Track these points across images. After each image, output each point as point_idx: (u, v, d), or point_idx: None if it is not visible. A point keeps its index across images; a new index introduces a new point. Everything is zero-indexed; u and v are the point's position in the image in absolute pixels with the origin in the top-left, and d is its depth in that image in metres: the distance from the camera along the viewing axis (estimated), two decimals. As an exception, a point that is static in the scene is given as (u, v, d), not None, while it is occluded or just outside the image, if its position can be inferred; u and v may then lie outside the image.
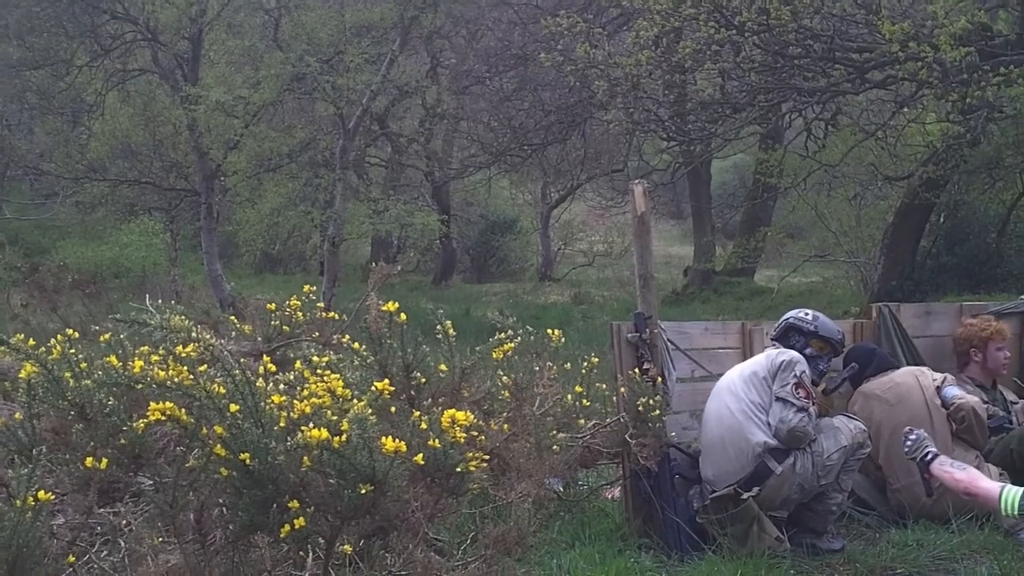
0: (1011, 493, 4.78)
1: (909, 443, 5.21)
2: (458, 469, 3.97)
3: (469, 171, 26.35)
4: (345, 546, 4.07)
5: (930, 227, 22.77)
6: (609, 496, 6.77)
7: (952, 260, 22.74)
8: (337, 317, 5.88)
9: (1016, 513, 4.77)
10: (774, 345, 6.50)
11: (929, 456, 5.07)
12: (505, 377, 5.25)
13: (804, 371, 6.14)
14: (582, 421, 5.72)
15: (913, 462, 5.13)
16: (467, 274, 33.17)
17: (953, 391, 6.78)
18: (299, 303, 5.68)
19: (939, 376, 6.88)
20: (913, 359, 7.33)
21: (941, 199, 21.46)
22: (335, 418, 3.84)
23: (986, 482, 4.75)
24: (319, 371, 4.30)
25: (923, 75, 14.18)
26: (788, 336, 6.50)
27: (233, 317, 6.14)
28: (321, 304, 6.04)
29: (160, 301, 5.46)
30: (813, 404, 6.16)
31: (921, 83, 14.85)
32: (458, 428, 3.96)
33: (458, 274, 32.28)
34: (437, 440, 3.91)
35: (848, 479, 6.28)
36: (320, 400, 3.93)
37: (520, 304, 24.67)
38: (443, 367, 4.94)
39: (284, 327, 5.69)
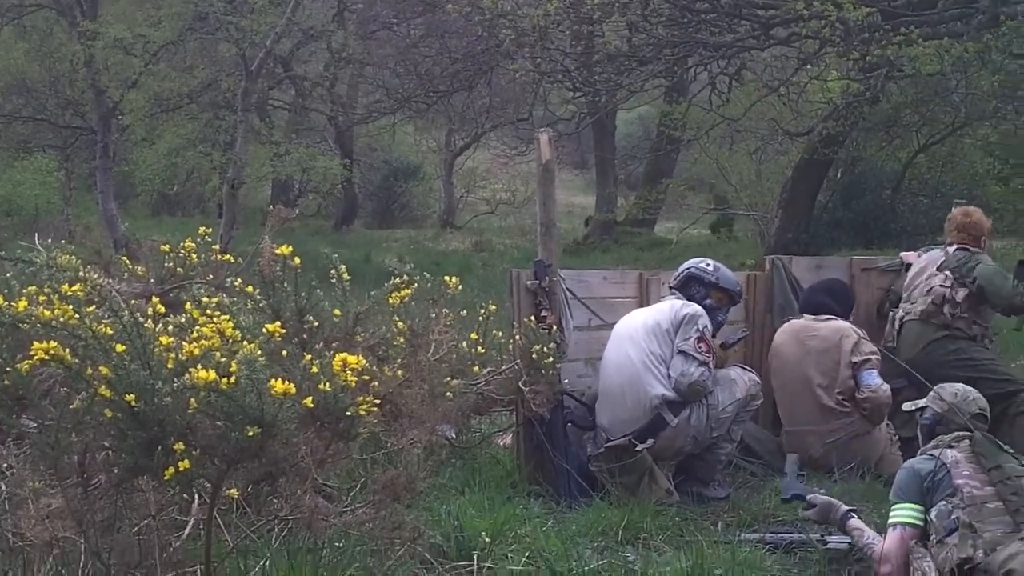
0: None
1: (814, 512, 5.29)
2: (348, 413, 3.94)
3: (373, 116, 26.11)
4: (231, 490, 4.03)
5: (827, 182, 23.13)
6: (502, 443, 6.79)
7: (848, 215, 23.15)
8: (233, 260, 5.79)
9: None
10: (673, 294, 6.55)
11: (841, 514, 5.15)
12: (400, 323, 5.23)
13: (706, 325, 6.21)
14: (477, 368, 5.72)
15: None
16: (369, 220, 32.91)
17: (871, 378, 6.89)
18: (194, 245, 5.57)
19: (866, 351, 6.97)
20: None
21: (839, 155, 21.80)
22: (224, 360, 3.78)
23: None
24: (209, 313, 4.23)
25: (826, 33, 14.36)
26: (689, 286, 6.56)
27: (125, 258, 6.01)
28: (216, 247, 5.94)
29: (51, 240, 5.35)
30: (713, 358, 6.24)
31: (824, 41, 15.03)
32: (349, 372, 3.92)
33: (359, 220, 32.02)
34: (328, 384, 3.88)
35: (738, 429, 6.41)
36: (210, 342, 3.87)
37: (421, 251, 24.58)
38: (337, 312, 4.90)
39: (178, 269, 5.58)
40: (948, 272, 7.10)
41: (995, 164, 23.64)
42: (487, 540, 4.83)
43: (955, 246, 7.29)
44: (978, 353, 7.03)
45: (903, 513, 4.72)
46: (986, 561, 4.35)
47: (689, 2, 16.28)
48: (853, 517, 5.10)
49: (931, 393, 5.25)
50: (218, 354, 3.80)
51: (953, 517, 4.51)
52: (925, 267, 7.30)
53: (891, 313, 7.48)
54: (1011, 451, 4.79)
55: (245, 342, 3.84)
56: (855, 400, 6.88)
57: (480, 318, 6.17)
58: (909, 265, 7.81)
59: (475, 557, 4.74)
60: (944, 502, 4.59)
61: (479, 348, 5.78)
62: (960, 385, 5.31)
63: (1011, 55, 16.49)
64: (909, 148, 23.60)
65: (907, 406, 5.41)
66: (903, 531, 4.69)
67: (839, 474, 6.51)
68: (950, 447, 4.80)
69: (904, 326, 7.15)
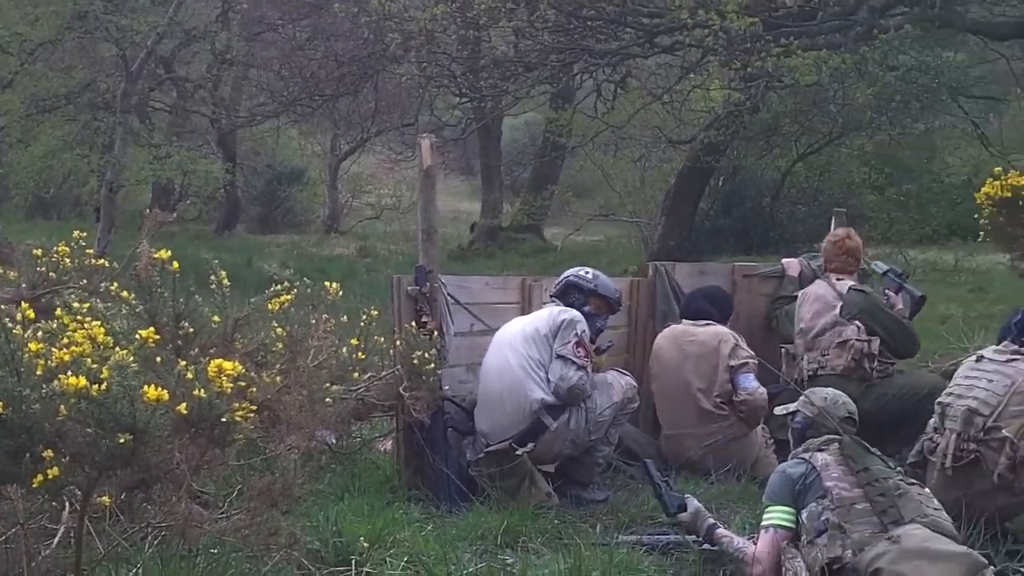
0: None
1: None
2: (223, 420, 3.90)
3: (257, 120, 25.80)
4: (103, 498, 3.96)
5: (709, 190, 23.50)
6: (382, 448, 6.78)
7: (728, 222, 23.53)
8: (108, 264, 5.69)
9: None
10: (554, 302, 6.60)
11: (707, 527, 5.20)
12: (280, 329, 5.19)
13: (584, 330, 6.26)
14: (357, 374, 5.69)
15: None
16: (251, 224, 32.50)
17: (748, 382, 7.02)
18: (68, 249, 5.46)
19: (743, 356, 7.10)
20: None
21: (721, 163, 22.17)
22: (96, 366, 3.71)
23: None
24: (80, 318, 4.16)
25: (709, 42, 14.60)
26: (568, 293, 6.61)
27: (-4, 262, 5.87)
28: (92, 251, 5.83)
29: (-83, 243, 5.20)
30: (591, 362, 6.31)
31: (707, 50, 15.29)
32: (225, 378, 3.88)
33: (242, 224, 31.60)
34: (202, 390, 3.83)
35: (616, 432, 6.48)
36: (80, 348, 3.80)
37: (305, 256, 24.37)
38: (216, 318, 4.85)
39: (51, 274, 5.47)
40: (858, 324, 7.23)
41: (870, 173, 24.33)
42: (365, 545, 4.81)
43: (844, 281, 7.43)
44: (896, 386, 7.21)
45: (775, 515, 4.81)
46: (854, 561, 4.43)
47: (575, 9, 16.40)
48: (719, 528, 5.18)
49: (801, 398, 5.34)
50: (89, 360, 3.73)
51: (823, 518, 4.59)
52: (821, 310, 7.34)
53: (783, 350, 7.60)
54: (878, 453, 4.89)
55: (117, 348, 3.78)
56: (732, 403, 7.01)
57: (362, 324, 6.15)
58: (799, 275, 7.99)
59: (353, 562, 4.72)
60: (815, 504, 4.66)
61: (359, 354, 5.76)
62: (829, 389, 5.41)
63: (886, 67, 16.96)
64: (788, 157, 24.09)
65: (779, 411, 5.51)
66: (775, 533, 4.77)
67: (716, 476, 6.62)
68: (820, 450, 4.89)
69: (818, 378, 7.09)
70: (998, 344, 5.81)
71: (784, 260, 8.38)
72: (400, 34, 16.78)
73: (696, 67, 17.02)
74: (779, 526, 4.78)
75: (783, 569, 4.69)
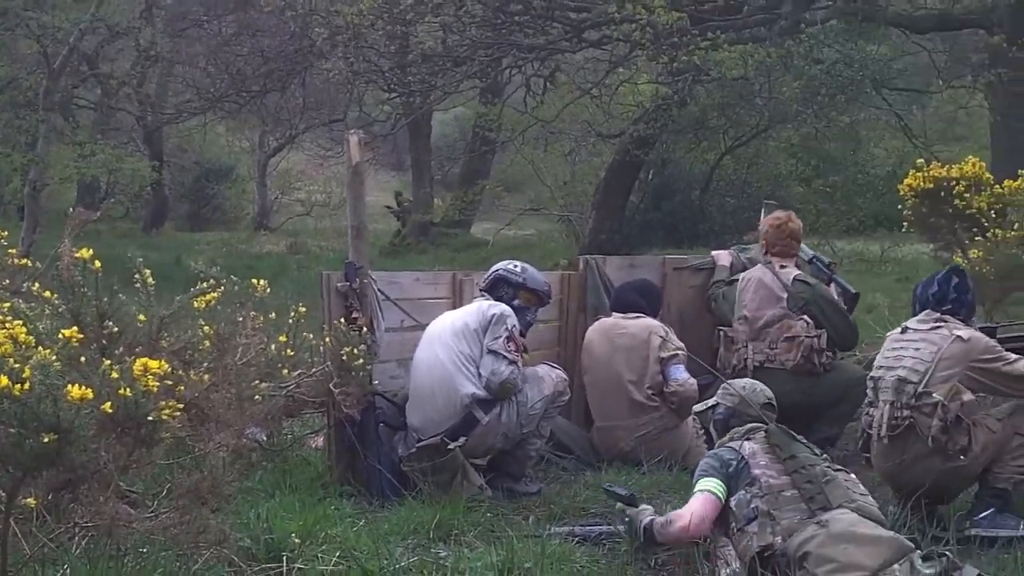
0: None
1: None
2: (150, 419, 3.87)
3: (184, 116, 25.47)
4: (29, 499, 3.91)
5: (639, 184, 23.58)
6: (314, 445, 6.75)
7: (659, 216, 23.66)
8: (33, 264, 5.62)
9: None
10: (483, 296, 6.61)
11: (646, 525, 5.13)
12: (207, 327, 5.15)
13: (515, 325, 6.28)
14: (286, 371, 5.66)
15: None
16: (180, 222, 32.16)
17: (678, 373, 7.08)
18: (-11, 249, 5.38)
19: (673, 347, 7.16)
20: None
21: (650, 157, 22.26)
22: (18, 366, 3.67)
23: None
24: (2, 318, 4.10)
25: (636, 36, 14.68)
26: (497, 288, 6.62)
27: (-84, 263, 5.76)
28: (13, 250, 5.75)
29: None
30: (521, 356, 6.33)
31: (634, 44, 15.36)
32: (151, 377, 3.85)
33: (170, 222, 31.25)
34: (128, 389, 3.80)
35: (548, 425, 6.51)
36: (2, 348, 3.75)
37: (234, 254, 24.15)
38: (142, 316, 4.80)
39: (-29, 274, 5.39)
40: (806, 319, 7.31)
41: (797, 165, 24.59)
42: (297, 541, 4.79)
43: (787, 268, 7.53)
44: (843, 373, 7.35)
45: (706, 484, 4.83)
46: (783, 546, 4.49)
47: (502, 4, 16.42)
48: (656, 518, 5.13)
49: (720, 390, 5.41)
50: (11, 360, 3.69)
51: (752, 506, 4.64)
52: (767, 299, 7.45)
53: (720, 332, 7.68)
54: (804, 441, 4.96)
55: (40, 348, 3.74)
56: (663, 395, 7.07)
57: (291, 321, 6.12)
58: (730, 266, 8.06)
59: (285, 559, 4.70)
60: (743, 492, 4.71)
61: (289, 351, 5.73)
62: (747, 379, 5.57)
63: (812, 61, 17.15)
64: (716, 150, 24.25)
65: (698, 408, 5.60)
66: (706, 496, 4.80)
67: (648, 467, 6.67)
68: (747, 439, 4.95)
69: (765, 371, 7.20)
70: (916, 315, 5.96)
71: (714, 252, 8.46)
72: (327, 29, 16.70)
73: (624, 61, 17.10)
74: (711, 491, 4.80)
75: (713, 556, 4.73)
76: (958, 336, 5.68)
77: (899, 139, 22.46)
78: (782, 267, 7.55)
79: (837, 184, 22.92)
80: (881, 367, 5.81)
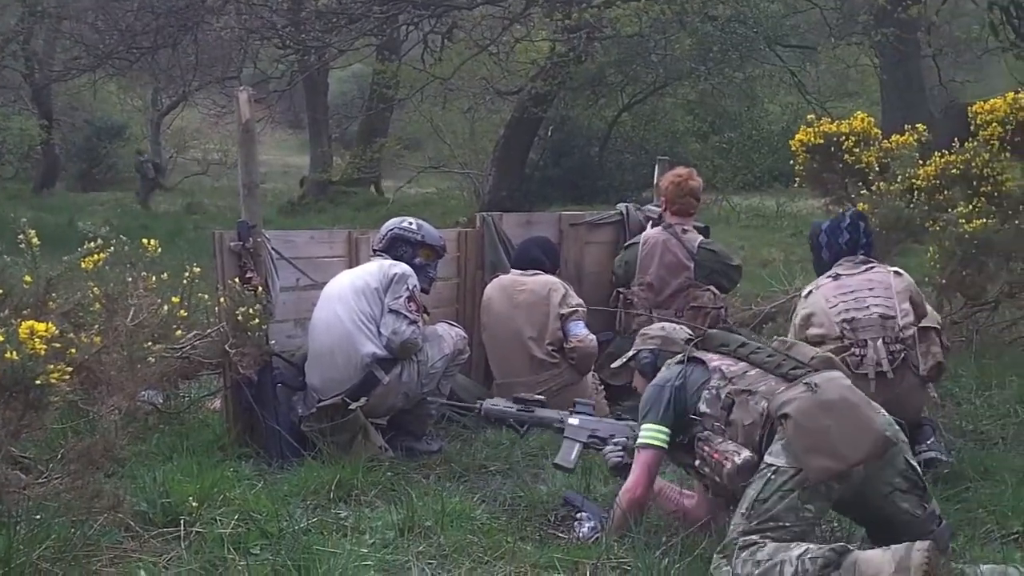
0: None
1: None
2: (38, 382, 3.79)
3: (72, 74, 24.88)
4: (-87, 468, 3.82)
5: (539, 140, 23.66)
6: (211, 407, 6.67)
7: (558, 172, 23.79)
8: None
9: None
10: (381, 256, 6.56)
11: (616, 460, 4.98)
12: (96, 288, 5.04)
13: (416, 284, 6.25)
14: (180, 332, 5.57)
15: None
16: (72, 182, 31.54)
17: (578, 329, 7.08)
18: None
19: (573, 304, 7.15)
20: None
21: (549, 114, 22.31)
22: (-102, 331, 3.57)
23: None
24: None
25: (531, -7, 14.65)
26: (395, 247, 6.56)
27: None
28: None
29: None
30: (422, 316, 6.31)
31: (529, 1, 15.34)
32: (38, 339, 3.77)
33: (62, 182, 30.65)
34: (14, 352, 3.71)
35: (447, 383, 6.50)
36: None
37: (128, 213, 23.77)
38: (28, 278, 4.69)
39: None
40: (712, 289, 7.40)
41: (694, 122, 24.84)
42: (195, 504, 4.74)
43: (689, 232, 7.59)
44: None
45: (645, 435, 4.63)
46: (767, 408, 4.26)
47: (397, -41, 16.30)
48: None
49: (636, 340, 5.24)
50: None
51: (725, 394, 4.41)
52: (672, 266, 7.51)
53: (620, 294, 7.72)
54: (740, 334, 4.84)
55: (-79, 311, 3.64)
56: (563, 351, 7.10)
57: (184, 282, 6.01)
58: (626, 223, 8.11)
59: (183, 522, 4.65)
60: (707, 391, 4.48)
61: (182, 312, 5.63)
62: (659, 323, 5.43)
63: (706, 17, 17.28)
64: (614, 107, 24.40)
65: (616, 364, 5.45)
66: (645, 454, 4.62)
67: (548, 424, 6.70)
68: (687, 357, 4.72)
69: None
70: (828, 263, 6.07)
71: (620, 205, 8.50)
72: (217, -15, 16.42)
73: (520, 18, 17.07)
74: (649, 445, 4.61)
75: (715, 459, 4.37)
76: (894, 271, 5.88)
77: (793, 95, 22.82)
78: (684, 231, 7.59)
79: (733, 140, 23.25)
80: (846, 311, 5.79)
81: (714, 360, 4.58)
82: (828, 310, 5.84)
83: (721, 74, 20.31)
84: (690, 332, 5.14)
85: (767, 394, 4.30)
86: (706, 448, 4.43)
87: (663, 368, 4.79)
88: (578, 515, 5.00)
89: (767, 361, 4.46)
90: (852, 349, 5.76)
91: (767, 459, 4.17)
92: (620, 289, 7.73)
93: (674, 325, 5.27)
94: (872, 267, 5.95)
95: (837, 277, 5.96)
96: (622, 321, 7.58)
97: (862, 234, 6.07)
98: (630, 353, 5.21)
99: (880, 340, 5.70)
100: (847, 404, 4.22)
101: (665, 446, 4.60)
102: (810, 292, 6.03)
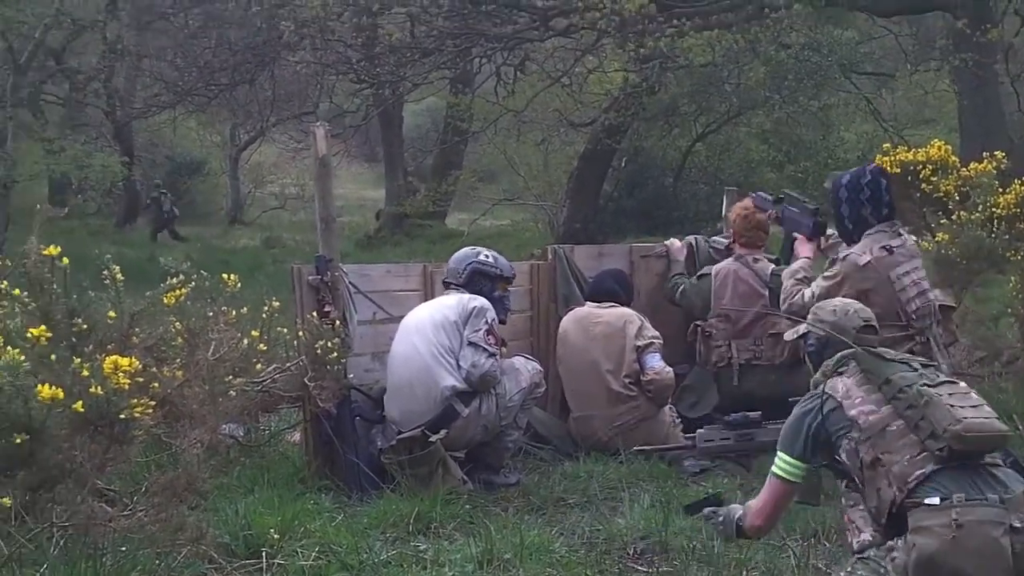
0: None
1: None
2: (122, 416, 3.85)
3: (153, 111, 25.35)
4: (4, 499, 3.89)
5: (612, 171, 23.62)
6: (291, 440, 6.73)
7: (632, 203, 23.72)
8: (2, 262, 5.57)
9: None
10: (459, 291, 6.57)
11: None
12: (178, 323, 5.13)
13: (494, 318, 6.29)
14: (260, 366, 5.64)
15: None
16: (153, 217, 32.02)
17: (655, 361, 7.04)
18: (-42, 248, 5.34)
19: (649, 336, 7.12)
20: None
21: (622, 145, 22.28)
22: (-12, 367, 3.65)
23: None
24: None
25: (602, 24, 14.67)
26: (474, 281, 6.58)
27: None
28: (-16, 249, 5.71)
29: None
30: (500, 349, 6.33)
31: (601, 32, 15.36)
32: (122, 374, 3.84)
33: (143, 218, 31.14)
34: (99, 387, 3.78)
35: (524, 417, 6.51)
36: (-29, 349, 3.73)
37: (209, 249, 24.09)
38: (112, 313, 4.77)
39: (-59, 274, 5.34)
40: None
41: (769, 151, 24.66)
42: (276, 537, 4.78)
43: (760, 261, 7.47)
44: None
45: (779, 464, 4.32)
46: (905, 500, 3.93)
47: (468, -7, 16.42)
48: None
49: (809, 316, 4.77)
50: (-19, 361, 3.67)
51: (861, 456, 4.06)
52: (747, 295, 7.37)
53: (697, 328, 7.54)
54: (898, 357, 4.36)
55: (9, 348, 3.71)
56: (640, 384, 7.06)
57: (264, 316, 6.08)
58: (687, 254, 8.03)
59: (264, 554, 4.69)
60: (846, 440, 4.13)
61: (262, 345, 5.70)
62: (837, 300, 4.93)
63: (779, 46, 17.19)
64: (688, 137, 24.32)
65: (788, 335, 5.07)
66: (775, 486, 4.34)
67: (625, 456, 6.66)
68: (838, 374, 4.33)
69: (752, 368, 7.24)
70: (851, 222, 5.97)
71: (668, 241, 8.39)
72: (293, 22, 16.63)
73: (592, 49, 17.11)
74: (778, 476, 4.31)
75: (847, 520, 4.25)
76: (915, 240, 5.85)
77: (869, 123, 22.59)
78: (755, 260, 7.52)
79: (809, 169, 23.01)
80: (917, 295, 5.72)
81: (855, 403, 4.15)
82: (896, 294, 5.72)
83: (795, 102, 20.15)
84: (865, 317, 4.64)
85: (900, 480, 3.93)
86: (843, 501, 4.32)
87: (808, 397, 4.36)
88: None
89: (907, 415, 4.03)
90: (915, 338, 5.66)
91: (886, 559, 3.95)
92: (698, 322, 7.63)
93: (849, 308, 4.66)
94: (903, 235, 5.86)
95: (890, 251, 5.81)
96: (702, 354, 7.50)
97: (884, 191, 5.92)
98: (801, 330, 4.78)
99: (934, 325, 5.60)
100: (987, 555, 3.76)
101: (797, 480, 4.28)
102: (868, 263, 5.81)
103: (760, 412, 6.35)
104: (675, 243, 8.16)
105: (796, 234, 6.70)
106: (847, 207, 5.98)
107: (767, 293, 7.28)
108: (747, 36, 15.66)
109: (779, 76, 18.23)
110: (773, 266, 7.49)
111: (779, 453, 4.32)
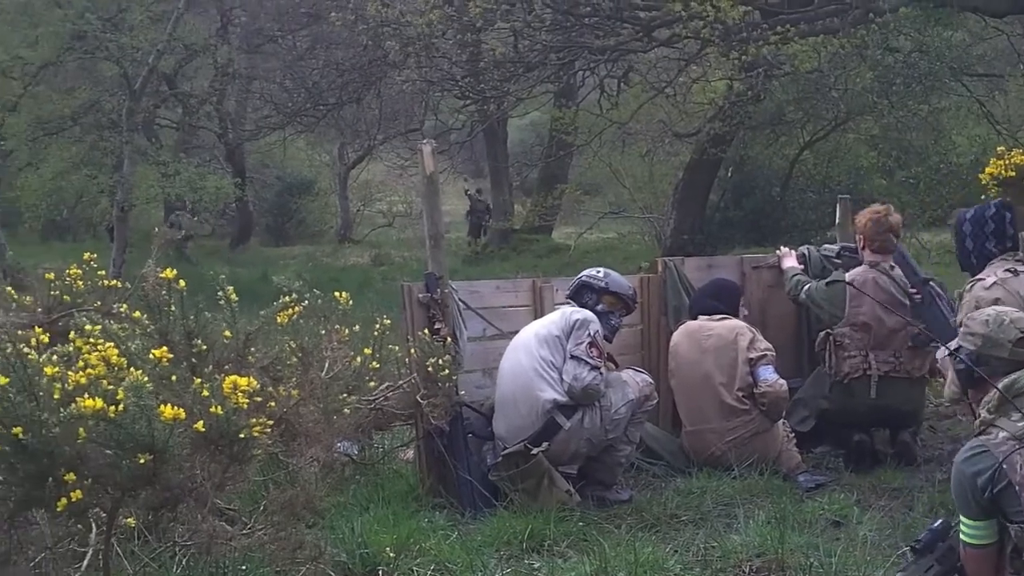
0: None
1: None
2: (242, 436, 3.91)
3: (263, 132, 25.83)
4: (128, 519, 3.98)
5: (718, 182, 23.45)
6: (404, 458, 6.77)
7: (739, 213, 23.51)
8: (121, 285, 5.70)
9: None
10: (568, 303, 6.60)
11: None
12: (292, 342, 5.20)
13: (598, 330, 6.26)
14: (372, 384, 5.70)
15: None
16: (265, 237, 32.63)
17: (768, 373, 6.94)
18: (79, 272, 5.47)
19: (761, 348, 7.02)
20: None
21: (728, 154, 22.10)
22: (111, 388, 3.73)
23: None
24: (94, 341, 4.17)
25: (706, 33, 14.57)
26: (581, 294, 6.61)
27: (11, 288, 5.88)
28: (103, 272, 5.85)
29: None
30: (605, 362, 6.30)
31: (704, 41, 15.26)
32: (240, 394, 3.90)
33: (255, 237, 31.73)
34: (219, 407, 3.85)
35: (636, 431, 6.46)
36: (95, 370, 3.81)
37: (319, 267, 24.43)
38: (228, 333, 4.86)
39: (64, 297, 5.48)
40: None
41: (879, 157, 24.23)
42: (392, 555, 4.82)
43: (896, 268, 7.23)
44: None
45: (963, 532, 3.86)
46: None
47: (571, 7, 16.40)
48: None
49: (962, 328, 4.34)
50: (105, 382, 3.75)
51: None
52: (888, 304, 7.03)
53: (830, 337, 7.27)
54: None
55: (132, 369, 3.80)
56: (753, 397, 6.97)
57: (375, 333, 6.14)
58: (803, 264, 7.89)
59: (380, 572, 4.73)
60: (1018, 526, 3.69)
61: (374, 363, 5.75)
62: (989, 310, 4.31)
63: (886, 49, 16.90)
64: (795, 145, 24.02)
65: (940, 354, 4.82)
66: (968, 555, 3.88)
67: (739, 471, 6.59)
68: (1001, 416, 3.82)
69: (891, 380, 7.03)
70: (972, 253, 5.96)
71: (780, 250, 8.23)
72: (398, 41, 16.80)
73: (695, 59, 17.00)
74: (969, 544, 3.85)
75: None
76: None
77: (982, 126, 22.06)
78: (892, 267, 7.22)
79: (920, 175, 22.55)
80: None
81: (1017, 466, 3.68)
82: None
83: (905, 107, 19.76)
84: (1022, 328, 4.09)
85: None
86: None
87: (968, 451, 3.86)
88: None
89: None
90: None
91: None
92: (829, 331, 7.30)
93: (1004, 318, 4.13)
94: None
95: (1016, 273, 5.73)
96: (832, 364, 7.26)
97: (1008, 224, 5.87)
98: (954, 344, 4.29)
99: None
100: None
101: (986, 542, 3.80)
102: (993, 283, 5.73)
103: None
104: (787, 251, 8.02)
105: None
106: (971, 241, 5.97)
107: (908, 302, 7.09)
108: (853, 41, 15.41)
109: (887, 80, 17.88)
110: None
111: (961, 518, 3.87)
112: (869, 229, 7.30)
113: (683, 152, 23.22)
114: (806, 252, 8.10)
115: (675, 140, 22.32)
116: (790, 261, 7.86)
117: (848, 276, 7.28)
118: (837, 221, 8.58)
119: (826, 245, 8.22)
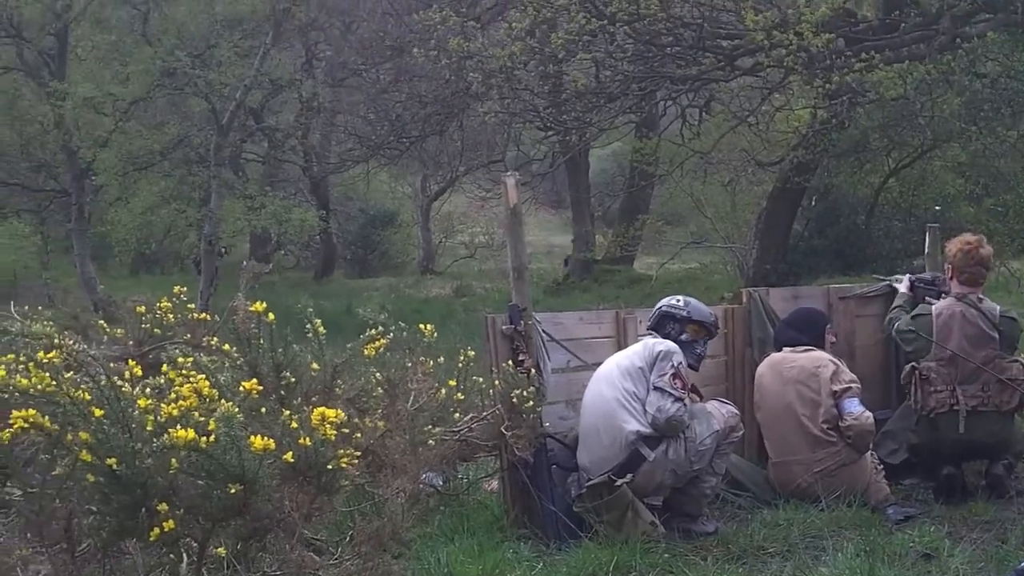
0: None
1: None
2: (329, 467, 3.96)
3: (347, 165, 26.16)
4: (219, 548, 4.04)
5: (802, 211, 23.20)
6: (489, 489, 6.79)
7: (823, 243, 23.25)
8: (209, 318, 5.81)
9: None
10: (650, 334, 6.58)
11: None
12: (378, 374, 5.25)
13: (681, 362, 6.24)
14: (457, 415, 5.73)
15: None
16: (348, 269, 32.91)
17: (853, 406, 6.85)
18: (169, 304, 5.58)
19: (846, 380, 6.95)
20: None
21: (812, 183, 21.87)
22: (203, 419, 3.80)
23: None
24: (184, 372, 4.25)
25: (789, 62, 14.50)
26: (663, 324, 6.59)
27: (103, 321, 6.02)
28: (192, 305, 5.96)
29: (27, 307, 5.37)
30: (689, 394, 6.28)
31: (788, 69, 15.18)
32: (328, 425, 3.95)
33: (339, 269, 32.01)
34: (307, 438, 3.90)
35: (722, 463, 6.42)
36: (187, 402, 3.89)
37: (402, 299, 24.58)
38: (315, 365, 4.92)
39: (155, 329, 5.60)
40: (1022, 361, 6.94)
41: (966, 185, 23.87)
42: (477, 586, 4.84)
43: (985, 300, 7.09)
44: None
45: None
46: None
47: (653, 37, 16.41)
48: None
49: None
50: (196, 414, 3.82)
51: None
52: (976, 339, 6.94)
53: (916, 371, 7.11)
54: None
55: (223, 401, 3.87)
56: (839, 429, 6.89)
57: (459, 365, 6.17)
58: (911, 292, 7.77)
59: (466, 603, 4.75)
60: None
61: (458, 395, 5.79)
62: None
63: (974, 75, 16.68)
64: (880, 172, 23.74)
65: None
66: None
67: (826, 503, 6.51)
68: None
69: (979, 415, 6.88)
70: None
71: (895, 277, 8.13)
72: (480, 73, 16.93)
73: (779, 87, 16.92)
74: None
75: None
76: None
77: (1074, 152, 21.63)
78: (980, 299, 7.07)
79: (1009, 202, 22.19)
80: None
81: None
82: None
83: (993, 133, 19.47)
84: None
85: None
86: None
87: None
88: None
89: None
90: None
91: None
92: (915, 364, 7.16)
93: None
94: None
95: None
96: (918, 399, 7.08)
97: None
98: None
99: None
100: None
101: None
102: None
103: None
104: (904, 279, 7.92)
105: None
106: None
107: (997, 336, 6.96)
108: (940, 67, 15.24)
109: (975, 106, 17.65)
110: (999, 307, 7.16)
111: None
112: (959, 260, 7.14)
113: (766, 181, 23.04)
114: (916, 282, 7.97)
115: (758, 169, 22.18)
116: (902, 288, 7.76)
117: (935, 309, 7.16)
118: (926, 250, 8.48)
119: (920, 275, 8.09)
